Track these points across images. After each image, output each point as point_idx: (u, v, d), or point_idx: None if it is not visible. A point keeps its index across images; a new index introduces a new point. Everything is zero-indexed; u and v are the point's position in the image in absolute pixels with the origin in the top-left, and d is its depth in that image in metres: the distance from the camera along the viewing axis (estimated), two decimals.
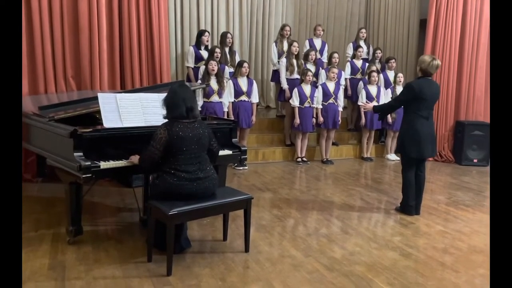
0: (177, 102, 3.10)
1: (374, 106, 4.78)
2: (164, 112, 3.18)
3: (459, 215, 4.54)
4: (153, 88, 4.34)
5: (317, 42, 7.40)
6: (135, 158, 3.26)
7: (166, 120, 3.16)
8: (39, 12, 4.93)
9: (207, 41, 6.59)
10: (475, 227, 4.21)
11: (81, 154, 3.14)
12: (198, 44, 6.56)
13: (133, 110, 3.52)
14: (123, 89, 5.34)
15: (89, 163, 3.11)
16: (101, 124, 3.38)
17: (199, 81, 5.98)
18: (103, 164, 3.19)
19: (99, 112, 3.42)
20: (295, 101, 6.40)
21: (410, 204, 4.45)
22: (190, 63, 6.51)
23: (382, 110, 4.71)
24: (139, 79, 5.47)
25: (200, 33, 6.61)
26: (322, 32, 7.43)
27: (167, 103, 3.15)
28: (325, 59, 7.43)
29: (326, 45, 7.62)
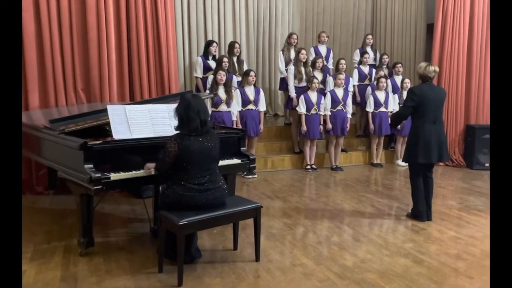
0: (192, 116, 3.05)
1: (391, 115, 4.83)
2: (175, 123, 3.15)
3: (472, 220, 4.49)
4: (161, 99, 4.37)
5: (322, 49, 7.42)
6: (151, 165, 3.28)
7: (177, 132, 3.13)
8: (49, 26, 5.01)
9: (215, 51, 6.64)
10: (488, 232, 4.15)
11: (91, 166, 3.17)
12: (206, 54, 6.61)
13: (142, 121, 3.55)
14: (132, 100, 5.40)
15: (100, 174, 3.14)
16: (111, 136, 3.41)
17: (208, 91, 6.01)
18: (113, 176, 3.22)
19: (108, 124, 3.45)
20: (301, 108, 6.41)
21: (420, 209, 4.41)
22: (199, 73, 6.56)
23: (392, 119, 4.74)
24: (147, 90, 5.51)
25: (208, 44, 6.67)
26: (326, 39, 7.44)
27: (180, 115, 3.10)
28: (331, 65, 7.44)
29: (332, 52, 7.63)
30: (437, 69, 4.41)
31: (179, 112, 3.12)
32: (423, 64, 4.39)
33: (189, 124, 3.07)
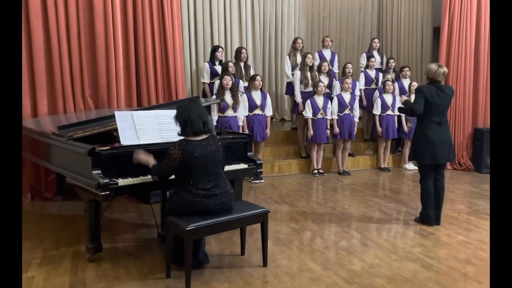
0: (195, 118, 3.10)
1: (405, 101, 4.76)
2: (179, 129, 3.18)
3: (481, 224, 4.44)
4: (168, 104, 4.39)
5: (327, 53, 7.42)
6: (146, 158, 3.20)
7: (181, 138, 3.16)
8: (57, 34, 5.06)
9: (221, 56, 6.67)
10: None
11: (99, 171, 3.19)
12: (212, 60, 6.64)
13: (149, 127, 3.57)
14: (140, 106, 5.43)
15: (107, 180, 3.15)
16: (119, 141, 3.43)
17: (214, 96, 6.04)
18: (121, 181, 3.23)
19: (116, 130, 3.47)
20: (308, 113, 6.41)
21: (429, 214, 4.38)
22: (206, 78, 6.59)
23: (405, 107, 4.58)
24: (155, 96, 5.55)
25: (214, 49, 6.70)
26: (330, 43, 7.45)
27: (183, 120, 3.14)
28: (336, 69, 7.44)
29: (336, 56, 7.63)
30: (446, 70, 4.31)
31: (182, 118, 3.16)
32: (434, 67, 4.28)
33: (193, 126, 3.11)
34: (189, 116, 3.12)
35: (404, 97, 4.81)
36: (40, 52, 5.03)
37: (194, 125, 3.11)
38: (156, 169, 3.18)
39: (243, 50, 6.73)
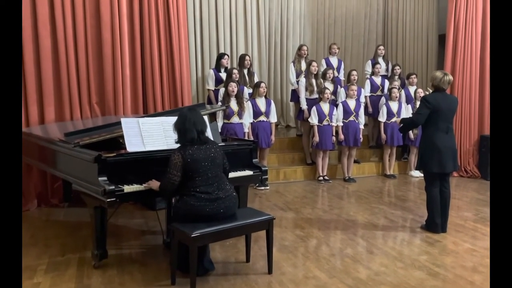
0: (189, 127, 3.14)
1: (401, 119, 4.74)
2: (175, 136, 3.24)
3: (488, 232, 4.41)
4: (174, 111, 4.41)
5: (333, 61, 7.43)
6: (153, 183, 3.29)
7: (179, 145, 3.20)
8: (65, 41, 5.11)
9: (227, 63, 6.71)
10: None
11: (105, 178, 3.20)
12: (218, 67, 6.68)
13: (155, 133, 3.59)
14: (146, 113, 5.46)
15: (113, 187, 3.17)
16: (125, 148, 3.45)
17: (220, 103, 6.06)
18: (127, 188, 3.25)
19: (122, 136, 3.50)
20: (313, 120, 6.41)
21: (436, 221, 4.36)
22: (211, 85, 6.63)
23: (404, 124, 4.63)
24: (161, 103, 5.58)
25: (220, 56, 6.74)
26: (337, 50, 7.47)
27: (178, 128, 3.20)
28: (342, 76, 7.45)
29: (343, 63, 7.64)
30: (451, 78, 4.34)
31: (177, 126, 3.21)
32: (439, 75, 4.29)
33: (185, 135, 3.15)
34: (184, 125, 3.16)
35: (397, 119, 4.77)
36: (48, 60, 5.07)
37: (187, 134, 3.15)
38: (163, 184, 3.20)
39: (247, 57, 6.76)
